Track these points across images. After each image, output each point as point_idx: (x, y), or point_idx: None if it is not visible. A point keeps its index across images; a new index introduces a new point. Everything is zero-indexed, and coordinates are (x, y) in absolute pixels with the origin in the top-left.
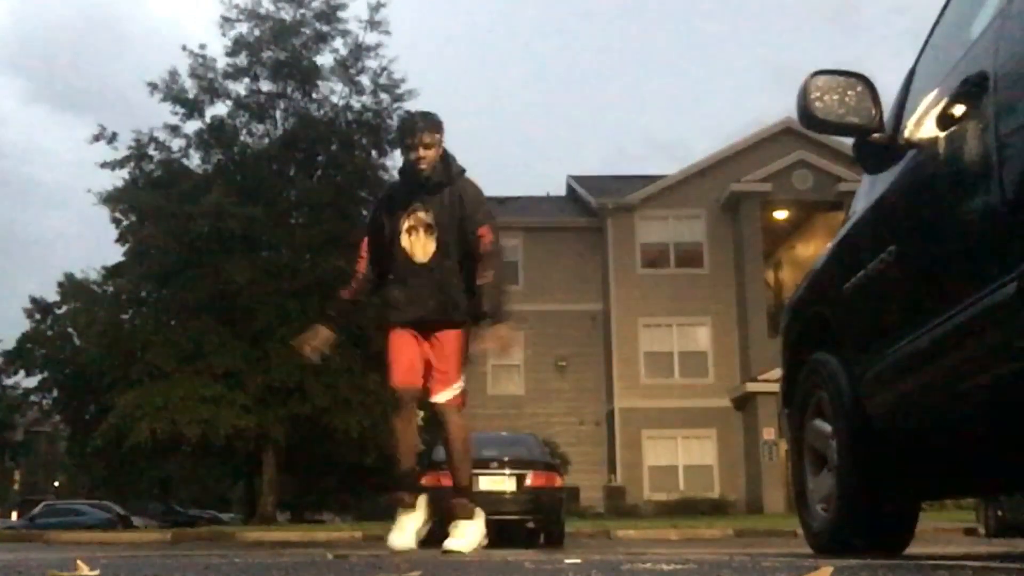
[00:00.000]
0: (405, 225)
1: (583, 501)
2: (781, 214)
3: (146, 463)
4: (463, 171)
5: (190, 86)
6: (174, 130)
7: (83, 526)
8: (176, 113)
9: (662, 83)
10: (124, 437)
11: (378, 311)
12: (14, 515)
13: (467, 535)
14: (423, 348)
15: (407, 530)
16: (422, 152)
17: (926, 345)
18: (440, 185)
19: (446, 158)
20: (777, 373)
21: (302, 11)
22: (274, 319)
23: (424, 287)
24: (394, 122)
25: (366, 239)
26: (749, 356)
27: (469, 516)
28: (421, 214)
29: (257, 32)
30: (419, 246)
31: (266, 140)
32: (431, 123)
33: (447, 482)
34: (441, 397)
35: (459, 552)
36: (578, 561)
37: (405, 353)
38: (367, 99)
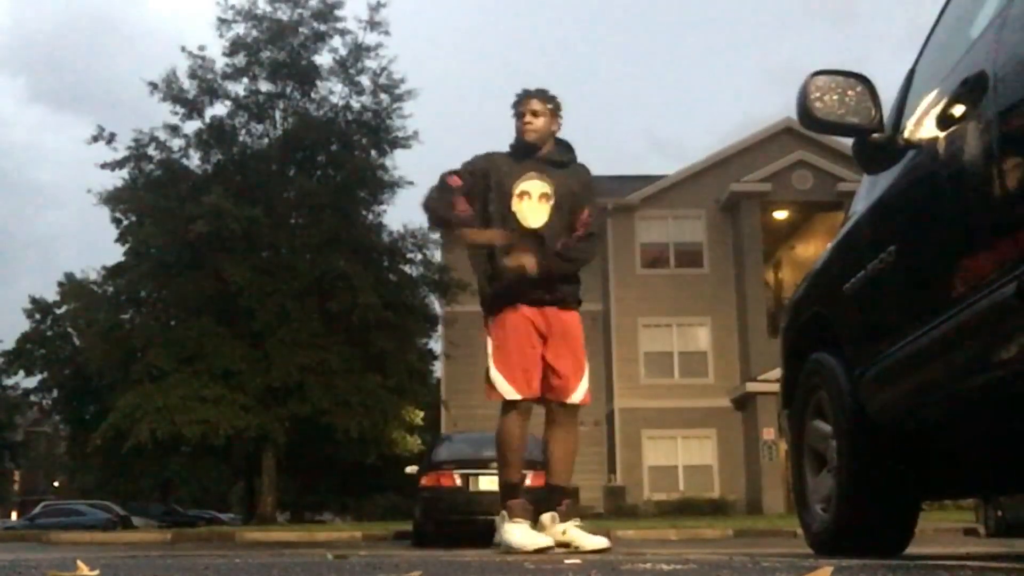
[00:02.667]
0: (517, 190)
1: (583, 501)
2: (781, 214)
3: (146, 463)
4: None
5: (189, 86)
6: (174, 130)
7: (83, 526)
8: (176, 113)
9: (661, 82)
10: (124, 437)
11: (489, 289)
12: (14, 515)
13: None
14: (547, 333)
15: (529, 530)
16: (528, 118)
17: (926, 345)
18: (560, 164)
19: (566, 144)
20: (777, 373)
21: (299, 11)
22: (274, 319)
23: (540, 255)
24: (394, 122)
25: (455, 177)
26: (749, 356)
27: (572, 516)
28: (538, 181)
29: (255, 32)
30: (529, 212)
31: (265, 140)
32: (543, 94)
33: (447, 482)
34: (578, 395)
35: (607, 548)
36: (578, 561)
37: (528, 353)
38: (367, 99)
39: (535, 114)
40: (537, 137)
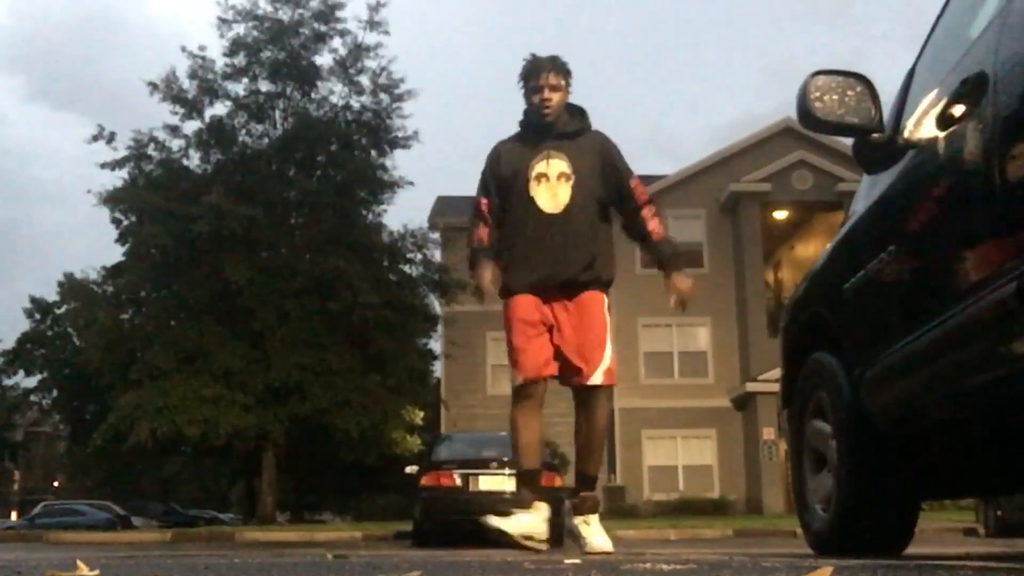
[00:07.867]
0: (533, 172)
1: None
2: (781, 214)
3: (146, 463)
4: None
5: (189, 86)
6: (173, 130)
7: (83, 526)
8: (175, 113)
9: (661, 82)
10: (124, 437)
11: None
12: (14, 515)
13: (602, 531)
14: (554, 319)
15: (516, 520)
16: (547, 94)
17: (926, 345)
18: (575, 133)
19: (577, 109)
20: (777, 373)
21: (300, 11)
22: (274, 319)
23: (553, 240)
24: (394, 122)
25: (484, 200)
26: (749, 356)
27: (596, 509)
28: (555, 160)
29: (255, 33)
30: (548, 195)
31: (265, 140)
32: (558, 65)
33: (447, 482)
34: (596, 377)
35: (608, 552)
36: (578, 561)
37: (534, 336)
38: (366, 99)
39: (553, 89)
40: (555, 116)
